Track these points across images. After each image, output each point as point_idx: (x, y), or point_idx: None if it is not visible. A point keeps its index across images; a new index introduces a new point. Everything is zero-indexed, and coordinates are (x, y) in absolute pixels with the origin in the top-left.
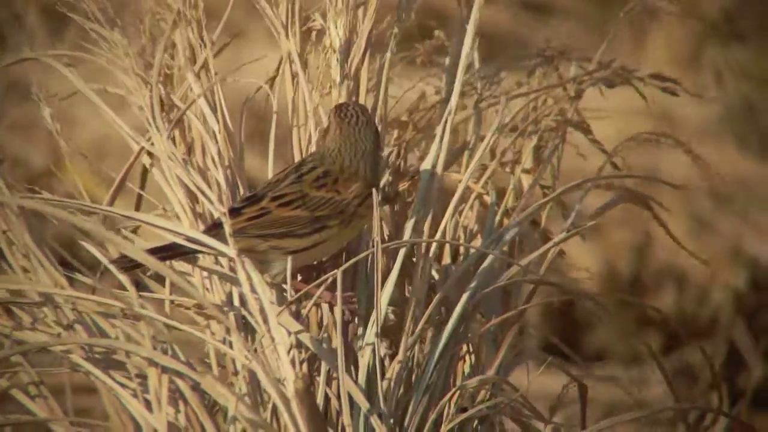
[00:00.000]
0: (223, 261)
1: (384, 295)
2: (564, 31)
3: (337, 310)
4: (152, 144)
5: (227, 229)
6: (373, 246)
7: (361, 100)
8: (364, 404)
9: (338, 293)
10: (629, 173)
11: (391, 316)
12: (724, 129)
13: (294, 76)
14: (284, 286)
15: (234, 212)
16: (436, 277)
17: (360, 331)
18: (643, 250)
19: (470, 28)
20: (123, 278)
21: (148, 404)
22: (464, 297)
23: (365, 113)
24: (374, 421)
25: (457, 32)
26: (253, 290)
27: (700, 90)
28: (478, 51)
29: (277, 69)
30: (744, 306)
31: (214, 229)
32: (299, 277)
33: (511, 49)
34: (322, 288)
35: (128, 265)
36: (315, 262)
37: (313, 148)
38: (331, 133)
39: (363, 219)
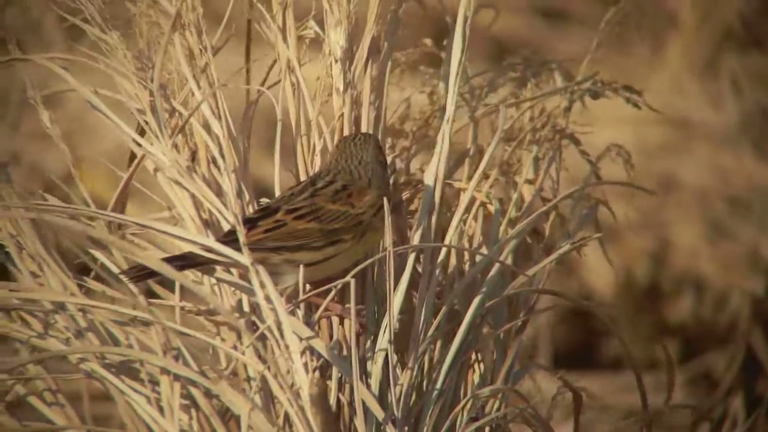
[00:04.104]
0: (234, 270)
1: (396, 300)
2: (579, 38)
3: (350, 317)
4: (155, 150)
5: (241, 239)
6: (384, 251)
7: (364, 108)
8: (378, 412)
9: (351, 299)
10: (617, 181)
11: (397, 324)
12: (741, 136)
13: (293, 85)
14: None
15: (250, 224)
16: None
17: (369, 342)
18: (661, 257)
19: (457, 38)
20: (132, 287)
21: (162, 411)
22: (474, 305)
23: (365, 135)
24: (388, 428)
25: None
26: (267, 298)
27: (717, 97)
28: (489, 59)
29: (268, 72)
30: (762, 312)
31: (228, 239)
32: (308, 288)
33: (512, 57)
34: (332, 294)
35: (138, 274)
36: (325, 277)
37: (317, 157)
38: (330, 154)
39: (376, 233)
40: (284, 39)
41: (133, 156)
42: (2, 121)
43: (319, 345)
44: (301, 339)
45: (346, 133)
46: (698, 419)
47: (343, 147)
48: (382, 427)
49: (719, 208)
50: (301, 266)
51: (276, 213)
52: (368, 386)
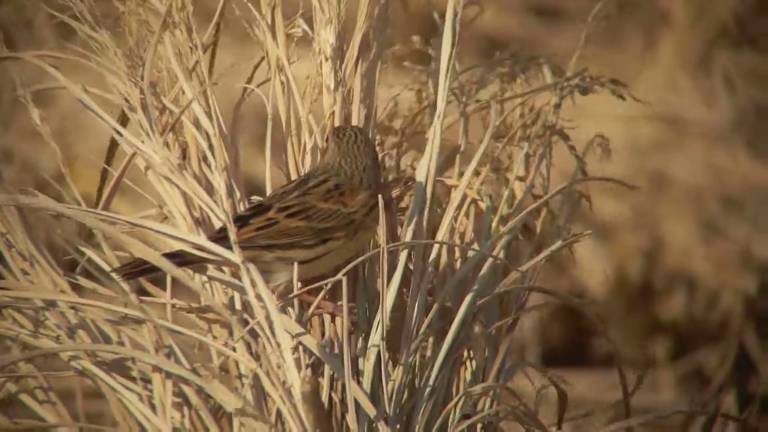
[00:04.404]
0: (225, 268)
1: (389, 297)
2: (572, 36)
3: (342, 315)
4: (146, 148)
5: (232, 236)
6: (376, 248)
7: (354, 106)
8: (370, 410)
9: (343, 297)
10: (606, 177)
11: (388, 322)
12: (735, 134)
13: (283, 83)
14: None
15: (242, 222)
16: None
17: (360, 339)
18: (654, 255)
19: (447, 34)
20: (124, 285)
21: (154, 408)
22: (465, 302)
23: (362, 133)
24: (380, 425)
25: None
26: (257, 296)
27: (710, 94)
28: (481, 56)
29: (255, 68)
30: (754, 310)
31: (220, 237)
32: (299, 285)
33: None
34: (323, 292)
35: (130, 272)
36: (317, 275)
37: (307, 155)
38: (330, 151)
39: (368, 231)
40: (273, 37)
41: (112, 147)
42: None
43: (311, 342)
44: (292, 336)
45: None
46: (690, 417)
47: (337, 144)
48: (374, 425)
49: (712, 206)
50: (296, 264)
51: (268, 211)
52: (360, 384)
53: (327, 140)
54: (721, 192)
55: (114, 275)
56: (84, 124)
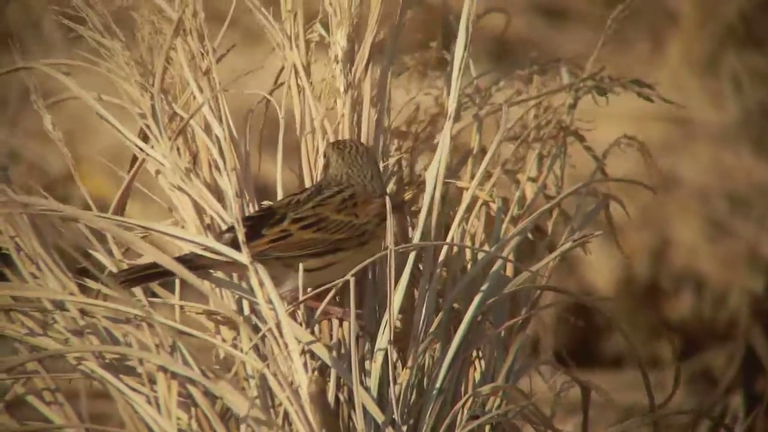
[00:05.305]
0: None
1: (396, 299)
2: (579, 37)
3: (350, 319)
4: (155, 153)
5: (240, 237)
6: (385, 250)
7: (365, 110)
8: (378, 415)
9: (351, 299)
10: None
11: (398, 323)
12: (742, 134)
13: (300, 89)
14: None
15: (255, 234)
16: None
17: (369, 341)
18: (661, 255)
19: (461, 36)
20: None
21: (160, 409)
22: (475, 303)
23: (362, 144)
24: (387, 430)
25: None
26: (266, 299)
27: (718, 95)
28: (491, 57)
29: (276, 79)
30: (761, 310)
31: (228, 234)
32: (308, 290)
33: (521, 55)
34: (330, 295)
35: (130, 278)
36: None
37: (321, 159)
38: (334, 164)
39: (379, 241)
40: (290, 44)
41: (134, 158)
42: (1, 119)
43: (320, 349)
44: (299, 342)
45: (346, 132)
46: (698, 417)
47: (339, 155)
48: (381, 427)
49: (719, 205)
50: (301, 269)
51: (282, 222)
52: (368, 385)
53: (325, 155)
54: (728, 192)
55: (113, 282)
56: (91, 125)
